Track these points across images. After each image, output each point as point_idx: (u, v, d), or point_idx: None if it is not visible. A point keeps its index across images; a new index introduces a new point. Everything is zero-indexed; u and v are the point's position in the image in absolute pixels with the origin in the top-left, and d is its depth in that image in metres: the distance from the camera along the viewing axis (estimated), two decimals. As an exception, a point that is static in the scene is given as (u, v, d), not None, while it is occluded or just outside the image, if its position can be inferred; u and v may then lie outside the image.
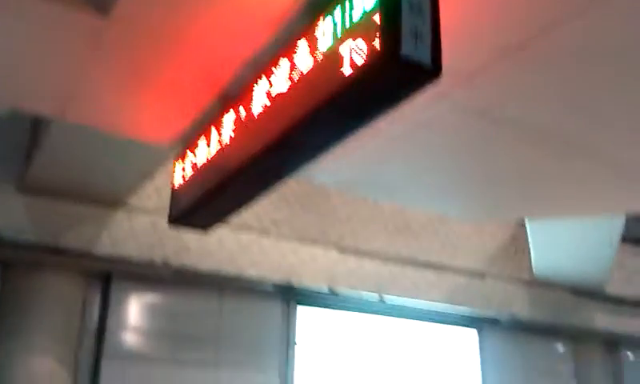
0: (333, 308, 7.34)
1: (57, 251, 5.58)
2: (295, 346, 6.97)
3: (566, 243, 7.51)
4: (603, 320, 8.86)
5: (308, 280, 6.84)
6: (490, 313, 8.02)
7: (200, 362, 6.34)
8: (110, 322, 6.07)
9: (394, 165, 4.00)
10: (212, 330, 6.49)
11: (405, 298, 7.41)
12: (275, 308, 6.95)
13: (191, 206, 3.38)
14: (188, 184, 3.48)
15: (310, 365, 7.01)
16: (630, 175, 3.86)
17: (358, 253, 7.18)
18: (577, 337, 9.10)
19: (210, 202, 3.24)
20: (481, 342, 8.37)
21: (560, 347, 9.17)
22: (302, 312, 7.15)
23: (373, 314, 7.59)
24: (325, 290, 6.96)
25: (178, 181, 3.63)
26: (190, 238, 6.17)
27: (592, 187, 4.09)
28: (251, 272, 6.49)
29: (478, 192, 4.41)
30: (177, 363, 6.23)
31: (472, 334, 8.38)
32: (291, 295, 6.99)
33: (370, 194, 5.51)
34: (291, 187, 6.89)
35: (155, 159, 4.97)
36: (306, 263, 6.84)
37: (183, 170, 3.57)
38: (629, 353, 9.82)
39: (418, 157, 3.90)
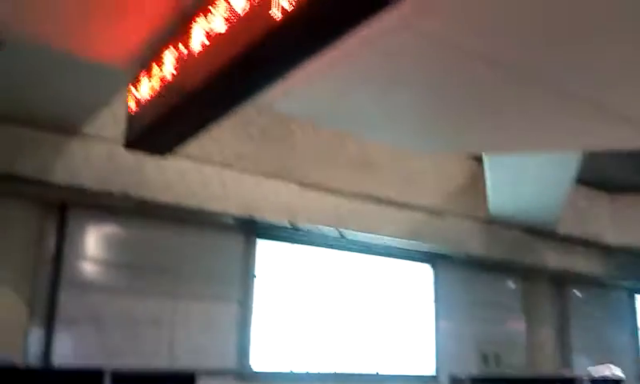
0: (293, 242, 7.42)
1: (10, 178, 5.44)
2: (255, 279, 7.05)
3: (521, 183, 7.68)
4: (553, 258, 9.20)
5: (269, 214, 6.86)
6: (445, 249, 8.23)
7: (159, 293, 6.37)
8: (68, 252, 6.01)
9: (356, 94, 3.99)
10: (171, 262, 6.50)
11: (364, 234, 7.53)
12: (236, 241, 6.99)
13: (147, 130, 3.33)
14: (144, 107, 3.41)
15: (269, 297, 7.13)
16: (587, 111, 3.92)
17: (320, 188, 7.22)
18: (527, 274, 9.46)
19: (166, 124, 3.19)
20: (435, 277, 8.63)
21: (511, 283, 9.54)
22: (263, 246, 7.21)
23: (332, 249, 7.72)
24: (286, 224, 7.01)
25: (133, 104, 3.56)
26: (149, 169, 6.10)
27: (550, 121, 4.15)
28: (212, 205, 6.47)
29: (439, 123, 4.44)
30: (135, 294, 6.24)
31: (427, 269, 8.62)
32: (252, 229, 7.03)
33: (333, 124, 5.49)
34: (254, 121, 6.83)
35: (112, 86, 4.82)
36: (268, 197, 6.86)
37: (139, 92, 3.49)
38: (575, 290, 10.29)
39: (381, 86, 3.89)
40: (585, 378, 5.39)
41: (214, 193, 6.48)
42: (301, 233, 7.22)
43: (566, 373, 7.57)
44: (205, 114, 3.09)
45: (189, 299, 6.54)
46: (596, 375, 5.50)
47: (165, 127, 3.22)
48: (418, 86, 3.84)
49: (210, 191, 6.45)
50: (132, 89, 3.60)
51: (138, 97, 3.50)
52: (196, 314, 6.53)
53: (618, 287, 11.12)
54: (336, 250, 7.76)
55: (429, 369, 8.23)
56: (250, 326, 6.87)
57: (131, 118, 3.57)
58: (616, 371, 5.65)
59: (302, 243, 7.47)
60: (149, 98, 3.36)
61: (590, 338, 10.22)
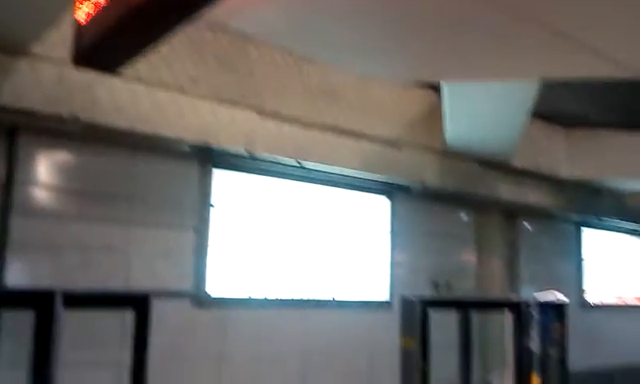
0: (251, 172, 7.39)
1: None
2: (211, 208, 7.03)
3: (477, 114, 7.76)
4: (506, 191, 9.43)
5: (226, 142, 6.79)
6: (402, 181, 8.33)
7: (113, 220, 6.30)
8: (18, 178, 5.85)
9: (319, 16, 3.91)
10: (125, 189, 6.41)
11: (323, 165, 7.54)
12: (191, 169, 6.91)
13: (94, 45, 3.20)
14: (90, 21, 3.26)
15: (227, 226, 7.14)
16: (547, 37, 3.93)
17: (278, 117, 7.15)
18: (480, 206, 9.69)
19: (113, 39, 3.08)
20: (392, 209, 8.77)
21: (464, 215, 9.78)
22: (220, 175, 7.16)
23: (290, 180, 7.73)
24: (243, 152, 6.95)
25: (80, 18, 3.40)
26: (100, 93, 5.92)
27: (510, 48, 4.17)
28: (166, 131, 6.36)
29: (402, 49, 4.41)
30: (89, 220, 6.16)
31: (384, 201, 8.74)
32: (208, 157, 6.95)
33: (293, 45, 5.39)
34: (210, 44, 6.66)
35: (59, 2, 4.60)
36: (224, 125, 6.76)
37: (85, 6, 3.33)
38: (525, 222, 10.62)
39: (345, 9, 3.82)
40: (530, 301, 5.62)
41: (168, 118, 6.35)
42: (258, 162, 7.18)
43: (513, 297, 7.88)
44: (152, 28, 2.98)
45: (143, 226, 6.49)
46: (541, 300, 5.73)
47: (112, 42, 3.11)
48: (382, 10, 3.78)
49: (164, 116, 6.32)
50: (78, 3, 3.43)
51: (84, 11, 3.34)
52: (151, 242, 6.50)
53: (567, 220, 11.53)
54: (294, 181, 7.77)
55: (383, 296, 8.47)
56: (206, 254, 6.89)
57: (78, 33, 3.42)
58: (560, 296, 5.91)
59: (259, 173, 7.45)
60: (95, 12, 3.21)
61: (537, 268, 10.63)
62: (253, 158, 7.05)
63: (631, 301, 13.08)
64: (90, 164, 6.25)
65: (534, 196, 9.88)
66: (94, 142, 6.21)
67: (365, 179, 8.10)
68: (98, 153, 6.28)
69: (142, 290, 4.66)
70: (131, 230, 6.41)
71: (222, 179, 7.17)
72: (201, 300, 6.78)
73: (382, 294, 8.49)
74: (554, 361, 5.93)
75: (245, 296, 7.19)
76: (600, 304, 12.27)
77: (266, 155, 7.11)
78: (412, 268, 8.91)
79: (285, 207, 7.69)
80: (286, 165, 7.36)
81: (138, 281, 6.28)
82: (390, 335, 5.03)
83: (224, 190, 7.18)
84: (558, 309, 5.96)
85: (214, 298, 6.90)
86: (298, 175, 7.66)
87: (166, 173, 6.71)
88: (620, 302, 12.84)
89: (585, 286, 12.00)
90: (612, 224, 12.41)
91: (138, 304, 3.68)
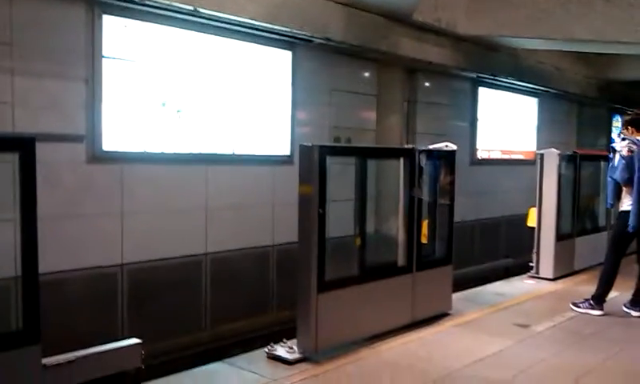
0: (145, 20, 6.93)
1: None
2: (104, 59, 6.61)
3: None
4: (407, 46, 9.49)
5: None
6: (305, 33, 8.14)
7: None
8: None
9: None
10: (2, 37, 5.84)
11: (221, 13, 7.17)
12: (78, 16, 6.38)
13: None
14: None
15: (122, 79, 6.77)
16: None
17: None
18: (381, 61, 9.75)
19: None
20: (294, 63, 8.63)
21: (366, 70, 9.84)
22: (111, 23, 6.66)
23: (188, 29, 7.34)
24: (134, -4, 6.47)
25: None
26: None
27: None
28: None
29: None
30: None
31: (286, 55, 8.57)
32: (95, 1, 6.43)
33: None
34: None
35: None
36: (112, -35, 6.22)
37: None
38: (422, 77, 10.86)
39: None
40: (422, 149, 5.86)
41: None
42: (151, 6, 6.70)
43: (406, 145, 8.21)
44: None
45: (29, 78, 6.02)
46: (432, 147, 6.00)
47: None
48: None
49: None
50: None
51: None
52: (36, 93, 6.08)
53: (464, 78, 11.89)
54: (192, 31, 7.40)
55: (285, 151, 8.55)
56: (99, 107, 6.56)
57: None
58: (451, 146, 6.19)
59: (154, 21, 7.00)
60: None
61: (434, 123, 11.04)
62: (144, 3, 6.57)
63: (519, 156, 14.03)
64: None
65: (433, 52, 10.02)
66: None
67: (265, 30, 7.83)
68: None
69: (25, 133, 4.36)
70: (14, 80, 5.94)
71: (114, 28, 6.69)
72: (96, 155, 6.55)
73: (284, 148, 8.57)
74: (442, 207, 6.33)
75: (144, 150, 7.01)
76: (489, 159, 13.08)
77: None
78: (314, 124, 8.99)
79: (183, 60, 7.37)
80: (181, 11, 6.92)
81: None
82: (291, 189, 5.11)
83: (118, 40, 6.73)
84: (447, 156, 6.26)
85: (110, 153, 6.68)
86: (195, 23, 7.27)
87: (50, 19, 6.17)
88: (508, 158, 13.74)
89: (477, 144, 12.68)
90: (507, 83, 12.95)
91: (23, 147, 3.46)
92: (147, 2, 6.55)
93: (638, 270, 6.45)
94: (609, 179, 6.42)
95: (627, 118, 6.52)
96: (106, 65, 6.61)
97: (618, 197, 6.30)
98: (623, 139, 6.34)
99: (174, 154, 7.29)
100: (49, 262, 6.02)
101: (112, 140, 6.68)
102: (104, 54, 6.59)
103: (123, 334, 6.47)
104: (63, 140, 6.25)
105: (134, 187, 6.87)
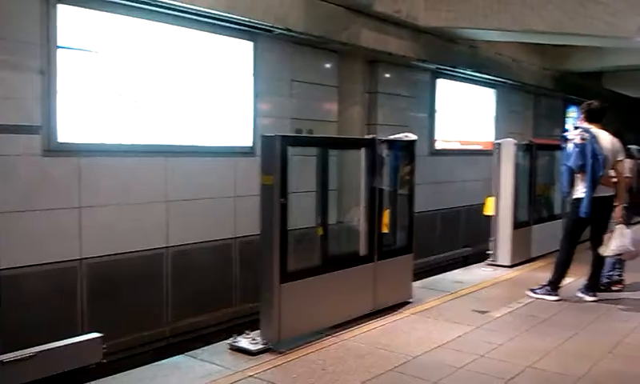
0: (101, 9, 6.79)
1: None
2: (58, 49, 6.46)
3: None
4: (367, 37, 9.55)
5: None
6: (265, 24, 8.11)
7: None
8: None
9: None
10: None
11: (178, 2, 7.07)
12: (32, 5, 6.21)
13: None
14: None
15: (77, 69, 6.63)
16: None
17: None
18: (343, 52, 9.78)
19: None
20: (255, 53, 8.59)
21: (327, 62, 9.86)
22: (67, 13, 6.51)
23: (146, 19, 7.23)
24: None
25: None
26: None
27: None
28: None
29: None
30: None
31: (247, 45, 8.52)
32: (50, -12, 6.29)
33: None
34: None
35: None
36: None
37: None
38: (383, 68, 10.94)
39: None
40: (382, 139, 5.92)
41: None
42: (109, -2, 6.59)
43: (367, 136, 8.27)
44: None
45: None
46: (392, 138, 6.06)
47: None
48: None
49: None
50: None
51: None
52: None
53: (423, 69, 12.02)
54: (151, 21, 7.28)
55: (247, 142, 8.52)
56: (55, 98, 6.41)
57: None
58: (410, 136, 6.27)
59: (112, 10, 6.87)
60: None
61: (394, 115, 11.15)
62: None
63: (477, 146, 14.27)
64: None
65: (393, 43, 10.10)
66: None
67: (225, 20, 7.77)
68: None
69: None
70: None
71: (70, 18, 6.53)
72: (52, 147, 6.40)
73: (247, 140, 8.53)
74: (403, 197, 6.41)
75: (101, 142, 6.89)
76: (448, 149, 13.28)
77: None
78: (276, 115, 8.97)
79: (141, 50, 7.25)
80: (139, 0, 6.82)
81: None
82: (254, 181, 5.10)
83: (73, 30, 6.57)
84: (407, 146, 6.33)
85: (67, 144, 6.54)
86: (152, 12, 7.16)
87: (3, 9, 5.99)
88: (467, 148, 13.97)
89: (436, 135, 12.85)
90: (465, 75, 13.15)
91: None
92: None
93: (592, 257, 6.65)
94: (563, 167, 6.58)
95: (581, 108, 6.70)
96: (61, 55, 6.46)
97: (572, 184, 6.46)
98: (576, 128, 6.53)
99: (132, 145, 7.18)
100: (4, 258, 5.96)
101: (68, 132, 6.54)
102: (59, 44, 6.44)
103: (84, 330, 6.38)
104: (18, 132, 6.11)
105: (92, 180, 6.75)
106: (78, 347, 4.54)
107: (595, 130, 6.35)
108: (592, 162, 6.17)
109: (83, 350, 4.57)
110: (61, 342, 4.52)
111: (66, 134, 6.51)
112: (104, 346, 4.94)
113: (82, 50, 6.65)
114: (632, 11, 10.03)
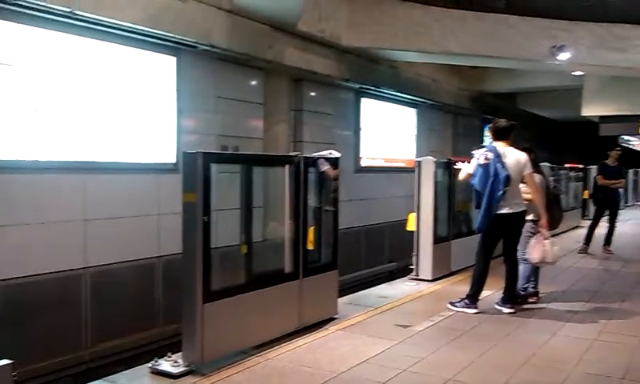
0: (17, 21, 6.51)
1: None
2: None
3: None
4: (292, 55, 9.64)
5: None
6: (189, 39, 8.03)
7: None
8: None
9: None
10: None
11: (98, 16, 6.91)
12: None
13: None
14: None
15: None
16: None
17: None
18: (268, 70, 9.82)
19: None
20: (179, 69, 8.48)
21: (252, 79, 9.85)
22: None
23: (66, 32, 7.00)
24: (4, -5, 6.06)
25: None
26: None
27: None
28: None
29: None
30: None
31: (171, 61, 8.40)
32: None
33: None
34: None
35: None
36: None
37: None
38: (308, 86, 11.06)
39: None
40: (307, 157, 5.94)
41: None
42: (24, 7, 6.32)
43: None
44: None
45: None
46: (316, 155, 6.10)
47: None
48: None
49: None
50: None
51: None
52: None
53: (348, 88, 12.24)
54: (69, 35, 7.05)
55: (170, 159, 8.36)
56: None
57: None
58: (334, 153, 6.32)
59: (28, 24, 6.60)
60: None
61: (320, 132, 11.27)
62: (15, 3, 6.18)
63: (400, 164, 14.62)
64: None
65: (317, 62, 10.24)
66: None
67: (148, 35, 7.64)
68: None
69: None
70: None
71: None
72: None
73: (170, 157, 8.38)
74: (328, 214, 6.45)
75: (15, 158, 6.58)
76: (373, 167, 13.53)
77: (32, -1, 6.28)
78: (201, 132, 8.87)
79: (60, 64, 7.00)
80: (58, 12, 6.59)
81: None
82: (178, 198, 5.00)
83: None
84: (331, 163, 6.38)
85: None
86: (72, 26, 6.94)
87: None
88: (390, 165, 14.28)
89: (361, 152, 13.08)
90: (388, 94, 13.48)
91: None
92: (19, 2, 6.18)
93: (506, 270, 6.91)
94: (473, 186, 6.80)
95: (489, 127, 6.93)
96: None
97: (481, 202, 6.68)
98: (481, 147, 6.76)
99: (49, 162, 6.90)
100: None
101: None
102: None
103: (-7, 357, 6.01)
104: None
105: (5, 197, 6.43)
106: (-16, 376, 4.26)
107: (502, 147, 6.59)
108: (493, 179, 6.40)
109: (-9, 378, 4.30)
110: (-34, 370, 4.23)
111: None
112: (14, 373, 4.66)
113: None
114: (542, 34, 10.64)
